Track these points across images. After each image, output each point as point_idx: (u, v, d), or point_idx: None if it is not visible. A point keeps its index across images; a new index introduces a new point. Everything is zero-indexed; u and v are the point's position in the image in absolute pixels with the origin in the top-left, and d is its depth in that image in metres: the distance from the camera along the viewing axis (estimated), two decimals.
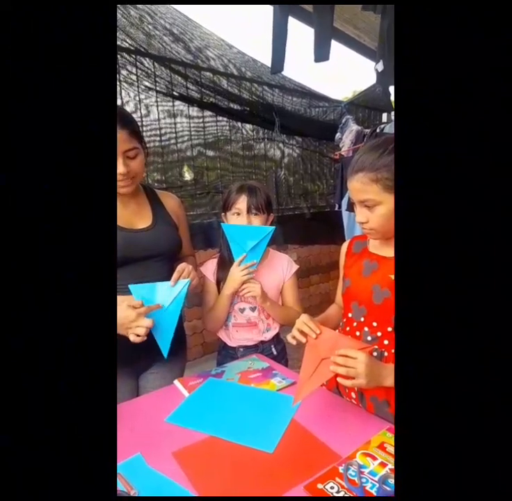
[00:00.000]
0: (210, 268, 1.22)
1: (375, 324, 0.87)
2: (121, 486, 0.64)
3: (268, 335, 1.22)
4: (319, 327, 0.84)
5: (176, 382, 0.99)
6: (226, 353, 1.23)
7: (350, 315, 0.93)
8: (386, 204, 0.78)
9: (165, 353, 0.89)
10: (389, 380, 0.74)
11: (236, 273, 1.10)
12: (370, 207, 0.80)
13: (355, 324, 0.91)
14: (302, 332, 0.84)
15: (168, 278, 1.08)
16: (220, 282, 1.19)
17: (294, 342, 0.85)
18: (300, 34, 2.35)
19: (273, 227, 1.12)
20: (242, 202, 1.11)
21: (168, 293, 0.93)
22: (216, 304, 1.17)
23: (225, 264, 1.18)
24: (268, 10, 2.05)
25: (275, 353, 1.22)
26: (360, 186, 0.79)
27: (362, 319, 0.89)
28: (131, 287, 0.91)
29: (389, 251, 0.88)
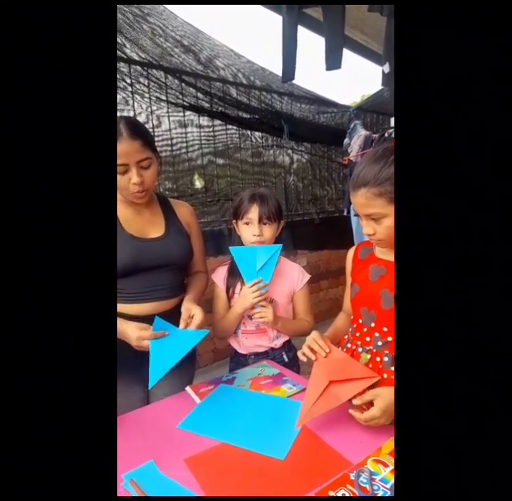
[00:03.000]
0: (220, 275, 1.23)
1: (385, 329, 0.86)
2: (134, 493, 0.65)
3: (278, 342, 1.22)
4: (329, 346, 0.85)
5: (188, 389, 1.00)
6: (237, 360, 1.24)
7: (360, 321, 0.92)
8: (392, 215, 0.77)
9: (151, 384, 0.86)
10: None
11: (248, 295, 1.10)
12: (376, 220, 0.80)
13: (365, 330, 0.91)
14: (312, 350, 0.85)
15: (177, 287, 1.08)
16: (229, 289, 1.20)
17: (304, 359, 0.87)
18: (308, 41, 2.37)
19: (280, 245, 1.13)
20: (253, 212, 1.12)
21: (183, 338, 0.92)
22: (225, 318, 1.18)
23: (235, 271, 1.18)
24: (276, 18, 2.08)
25: (286, 360, 1.22)
26: (365, 201, 0.79)
27: (373, 325, 0.89)
28: (157, 318, 0.93)
29: None
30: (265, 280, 1.11)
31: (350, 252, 1.02)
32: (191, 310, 0.96)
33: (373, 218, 0.80)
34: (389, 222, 0.78)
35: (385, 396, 0.74)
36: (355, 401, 0.76)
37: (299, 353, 0.88)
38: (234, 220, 1.19)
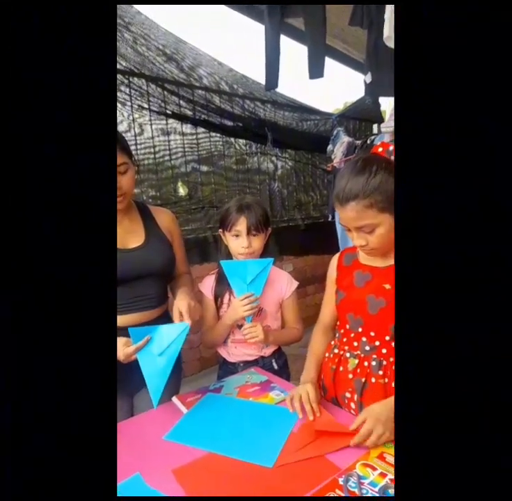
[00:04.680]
0: (208, 285, 1.22)
1: (372, 334, 0.87)
2: None
3: (268, 351, 1.21)
4: (320, 409, 0.85)
5: (174, 398, 0.98)
6: (226, 369, 1.22)
7: (347, 327, 0.93)
8: (383, 224, 0.78)
9: (155, 402, 0.86)
10: None
11: (239, 308, 1.09)
12: (368, 231, 0.80)
13: (352, 335, 0.91)
14: (300, 401, 0.86)
15: (160, 296, 1.07)
16: (217, 298, 1.19)
17: (291, 410, 0.87)
18: (290, 50, 2.41)
19: (271, 259, 1.13)
20: (242, 224, 1.10)
21: (166, 337, 0.90)
22: (214, 329, 1.17)
23: (222, 281, 1.17)
24: (258, 28, 2.11)
25: (276, 367, 1.21)
26: (355, 215, 0.78)
27: (360, 330, 0.89)
28: (130, 330, 0.90)
29: (380, 261, 0.89)
30: (256, 294, 1.10)
31: (334, 259, 1.03)
32: (178, 307, 0.94)
33: (365, 230, 0.80)
34: (382, 230, 0.79)
35: (373, 414, 0.74)
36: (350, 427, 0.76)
37: (287, 399, 0.89)
38: (221, 230, 1.18)
